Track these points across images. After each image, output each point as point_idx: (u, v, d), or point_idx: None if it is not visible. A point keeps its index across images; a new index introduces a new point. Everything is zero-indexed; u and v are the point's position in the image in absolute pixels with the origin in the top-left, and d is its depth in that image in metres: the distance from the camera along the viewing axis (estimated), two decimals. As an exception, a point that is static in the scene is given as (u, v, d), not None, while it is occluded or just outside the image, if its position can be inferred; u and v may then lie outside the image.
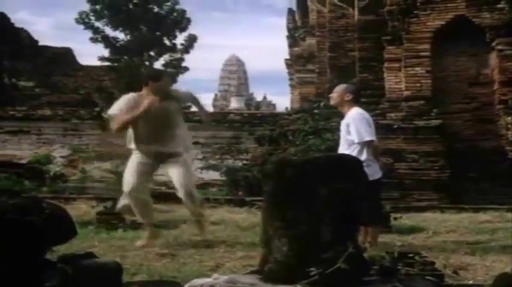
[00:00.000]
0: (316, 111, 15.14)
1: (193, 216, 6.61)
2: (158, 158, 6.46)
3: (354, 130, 6.26)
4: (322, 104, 15.22)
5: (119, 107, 6.27)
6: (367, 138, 6.26)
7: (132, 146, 6.47)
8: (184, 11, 29.89)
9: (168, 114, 6.41)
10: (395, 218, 7.97)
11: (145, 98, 6.28)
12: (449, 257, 5.46)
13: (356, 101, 6.55)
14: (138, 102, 6.26)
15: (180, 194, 6.34)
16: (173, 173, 6.40)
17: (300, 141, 13.61)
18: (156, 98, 6.31)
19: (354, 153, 6.04)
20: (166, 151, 6.38)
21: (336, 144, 7.11)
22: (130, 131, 6.43)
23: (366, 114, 6.48)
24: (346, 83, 7.46)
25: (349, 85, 7.14)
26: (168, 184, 15.77)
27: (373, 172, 6.13)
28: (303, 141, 13.47)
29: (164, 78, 6.69)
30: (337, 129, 7.28)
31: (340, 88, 6.63)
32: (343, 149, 6.35)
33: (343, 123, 6.48)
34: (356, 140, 6.24)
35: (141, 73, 7.39)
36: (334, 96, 6.59)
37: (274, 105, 46.50)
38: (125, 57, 28.27)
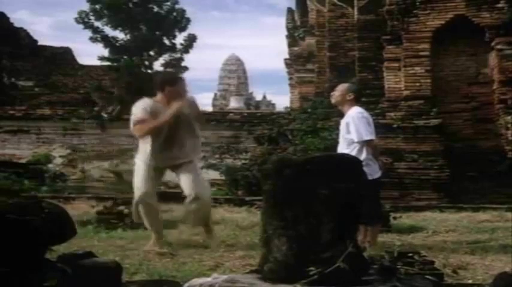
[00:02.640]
0: (309, 110, 15.15)
1: (198, 222, 6.29)
2: (170, 166, 6.23)
3: (354, 129, 6.25)
4: (318, 102, 15.24)
5: (142, 112, 5.95)
6: (367, 137, 6.25)
7: (143, 152, 6.08)
8: (184, 11, 29.82)
9: (184, 119, 6.13)
10: (394, 218, 7.97)
11: (171, 102, 5.97)
12: (449, 257, 5.46)
13: (357, 101, 6.55)
14: (156, 108, 5.99)
15: (189, 199, 6.08)
16: (184, 180, 6.12)
17: (298, 141, 13.62)
18: (184, 103, 6.06)
19: (354, 152, 6.03)
20: (181, 160, 6.12)
21: (335, 143, 7.10)
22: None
23: (366, 114, 6.48)
24: (347, 83, 7.47)
25: (351, 84, 7.14)
26: (167, 184, 15.79)
27: (373, 171, 6.13)
28: (301, 141, 13.49)
29: (180, 82, 6.28)
30: (336, 128, 7.27)
31: (342, 87, 6.62)
32: (342, 148, 6.34)
33: (343, 122, 6.47)
34: (356, 139, 6.24)
35: (155, 78, 6.80)
36: (336, 95, 6.57)
37: (273, 104, 46.55)
38: (125, 56, 28.20)
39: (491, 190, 11.64)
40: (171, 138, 6.07)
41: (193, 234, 7.07)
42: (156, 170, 6.15)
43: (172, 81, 6.20)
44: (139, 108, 6.01)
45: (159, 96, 6.14)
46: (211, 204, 6.44)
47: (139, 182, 6.05)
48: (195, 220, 6.29)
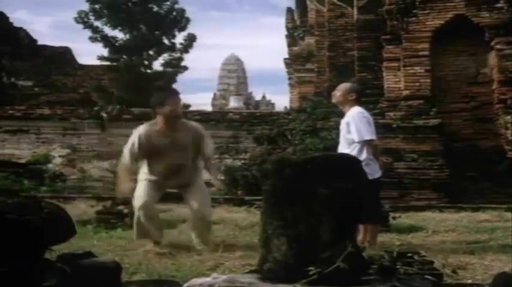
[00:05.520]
0: (309, 110, 15.15)
1: (198, 241, 6.14)
2: (172, 187, 6.37)
3: (354, 129, 6.25)
4: (317, 102, 15.24)
5: (132, 147, 5.95)
6: (367, 137, 6.25)
7: (144, 175, 6.11)
8: (183, 10, 29.83)
9: (183, 147, 6.03)
10: (394, 218, 7.97)
11: (169, 122, 5.97)
12: (448, 257, 5.45)
13: (357, 101, 6.54)
14: (153, 136, 5.95)
15: (192, 218, 6.14)
16: (189, 198, 6.16)
17: (298, 141, 13.62)
18: (129, 186, 6.06)
19: (354, 152, 6.03)
20: (182, 183, 6.15)
21: (334, 143, 7.10)
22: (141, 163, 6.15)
23: (366, 113, 6.47)
24: (347, 82, 7.46)
25: (352, 84, 7.13)
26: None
27: (373, 171, 6.13)
28: (301, 141, 13.48)
29: (168, 102, 6.02)
30: (335, 128, 7.26)
31: (344, 87, 6.60)
32: (343, 148, 6.34)
33: (343, 122, 6.46)
34: (356, 139, 6.23)
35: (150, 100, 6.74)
36: (338, 95, 6.55)
37: (273, 104, 46.48)
38: (124, 56, 28.22)
39: (491, 190, 11.64)
40: (168, 169, 6.04)
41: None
42: (158, 187, 6.17)
43: (160, 102, 6.04)
44: (132, 140, 5.98)
45: (158, 118, 6.07)
46: (210, 223, 6.38)
47: (140, 193, 6.03)
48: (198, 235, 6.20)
